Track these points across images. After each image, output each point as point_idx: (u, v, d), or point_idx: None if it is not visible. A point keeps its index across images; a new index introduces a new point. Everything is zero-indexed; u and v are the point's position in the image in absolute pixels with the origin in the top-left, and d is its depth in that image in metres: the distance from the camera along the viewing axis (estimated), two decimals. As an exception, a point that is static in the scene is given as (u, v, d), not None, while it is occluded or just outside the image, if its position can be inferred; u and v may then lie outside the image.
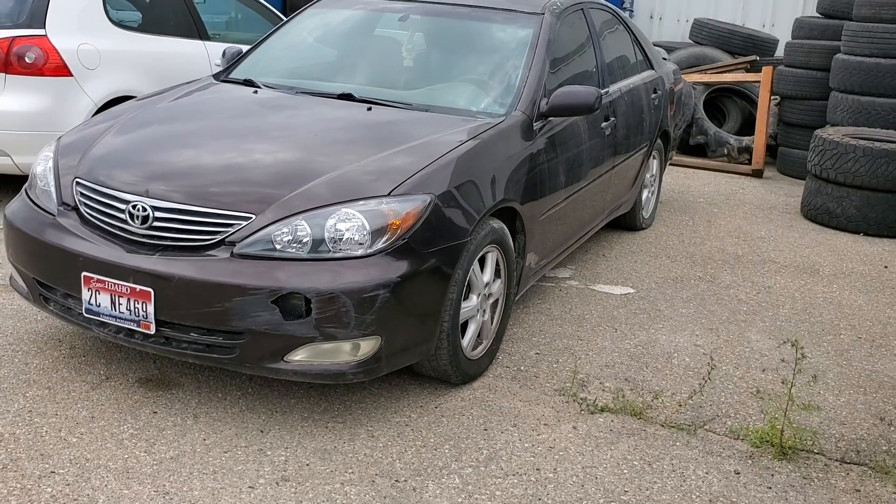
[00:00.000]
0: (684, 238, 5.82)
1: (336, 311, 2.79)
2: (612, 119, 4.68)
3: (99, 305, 2.98)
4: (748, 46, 9.36)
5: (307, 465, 2.79)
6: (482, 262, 3.38)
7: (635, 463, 2.96)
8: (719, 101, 9.15)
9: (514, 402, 3.32)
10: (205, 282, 2.82)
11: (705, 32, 9.56)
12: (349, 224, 2.89)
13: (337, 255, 2.87)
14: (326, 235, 2.88)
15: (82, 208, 3.17)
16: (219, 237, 2.91)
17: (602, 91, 4.55)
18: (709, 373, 3.47)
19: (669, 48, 9.84)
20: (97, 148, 3.40)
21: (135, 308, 2.90)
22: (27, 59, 5.21)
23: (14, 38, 5.22)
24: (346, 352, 2.89)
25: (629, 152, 5.06)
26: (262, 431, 2.98)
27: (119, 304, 2.93)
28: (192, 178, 3.13)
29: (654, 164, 5.89)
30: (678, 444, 3.10)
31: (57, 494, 2.56)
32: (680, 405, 3.37)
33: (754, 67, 8.90)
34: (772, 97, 8.28)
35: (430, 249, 3.01)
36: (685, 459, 3.00)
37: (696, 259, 5.35)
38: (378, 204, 2.95)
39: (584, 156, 4.30)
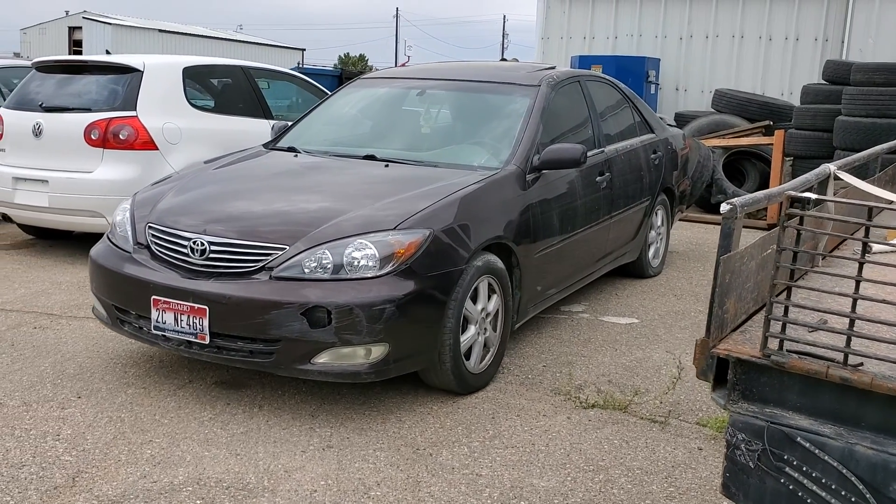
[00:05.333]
0: (692, 280, 6.47)
1: (351, 321, 3.44)
2: (608, 174, 5.32)
3: (165, 323, 3.70)
4: (765, 113, 10.07)
5: (347, 438, 3.52)
6: (479, 290, 3.96)
7: (615, 441, 3.60)
8: (739, 163, 9.83)
9: (520, 399, 4.00)
10: (249, 299, 3.52)
11: (725, 101, 10.31)
12: (363, 252, 3.58)
13: (353, 276, 3.54)
14: (345, 261, 3.56)
15: (153, 246, 3.94)
16: (260, 264, 3.63)
17: (596, 150, 5.30)
18: (678, 373, 4.11)
19: (692, 116, 10.62)
20: (165, 201, 4.20)
21: (193, 323, 3.62)
22: (121, 136, 6.22)
23: (111, 118, 6.26)
24: (361, 356, 3.53)
25: (628, 205, 5.67)
26: (312, 416, 3.72)
27: (181, 320, 3.65)
28: (240, 220, 3.87)
29: (660, 217, 6.50)
30: (654, 429, 3.74)
31: (155, 454, 3.33)
32: (660, 402, 4.01)
33: (769, 131, 9.59)
34: (785, 158, 8.95)
35: (431, 273, 3.66)
36: (657, 440, 3.63)
37: (699, 297, 5.99)
38: (385, 236, 3.63)
39: (579, 205, 4.94)
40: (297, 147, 5.02)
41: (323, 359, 3.51)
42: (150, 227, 4.01)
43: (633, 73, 11.73)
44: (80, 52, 41.45)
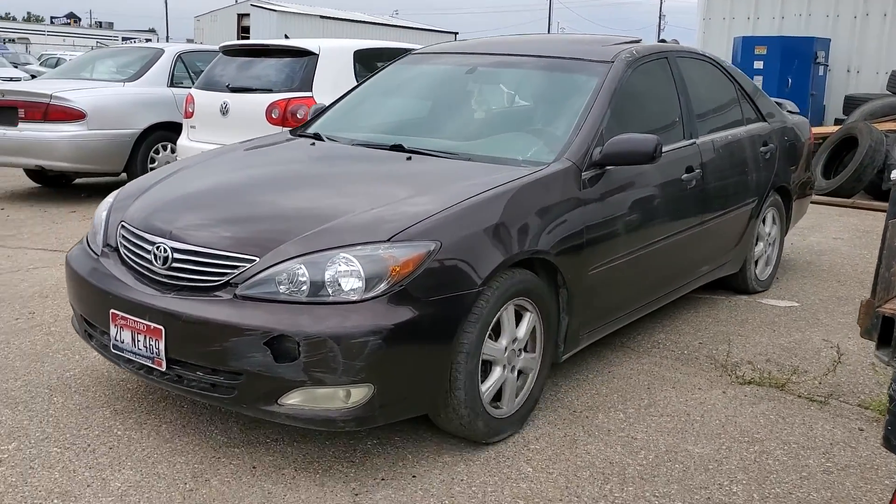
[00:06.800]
0: (857, 267, 6.28)
1: (324, 356, 2.75)
2: (698, 171, 4.45)
3: (123, 342, 3.12)
4: (948, 95, 9.48)
5: (508, 397, 3.74)
6: (502, 320, 3.24)
7: (771, 417, 3.64)
8: (916, 148, 9.32)
9: (676, 374, 4.10)
10: (205, 321, 2.87)
11: (902, 83, 9.79)
12: (345, 269, 2.86)
13: (333, 299, 2.84)
14: (326, 279, 2.86)
15: (121, 250, 3.34)
16: (224, 279, 2.96)
17: (685, 142, 4.48)
18: (838, 354, 4.08)
19: (864, 99, 10.15)
20: (145, 196, 3.58)
21: (149, 345, 3.02)
22: (299, 115, 6.70)
23: (290, 99, 6.75)
24: (340, 398, 2.86)
25: (727, 208, 4.81)
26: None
27: (137, 340, 3.06)
28: (211, 223, 3.19)
29: (770, 221, 5.58)
30: (812, 408, 3.74)
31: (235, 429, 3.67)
32: (819, 383, 4.00)
33: (951, 114, 9.04)
34: (969, 143, 8.43)
35: (433, 298, 2.90)
36: (815, 418, 3.64)
37: (865, 284, 5.82)
38: (375, 249, 2.89)
39: (657, 209, 4.10)
40: (323, 134, 4.33)
41: (293, 399, 2.86)
42: (122, 227, 3.42)
43: (800, 54, 11.31)
44: (247, 38, 43.82)
